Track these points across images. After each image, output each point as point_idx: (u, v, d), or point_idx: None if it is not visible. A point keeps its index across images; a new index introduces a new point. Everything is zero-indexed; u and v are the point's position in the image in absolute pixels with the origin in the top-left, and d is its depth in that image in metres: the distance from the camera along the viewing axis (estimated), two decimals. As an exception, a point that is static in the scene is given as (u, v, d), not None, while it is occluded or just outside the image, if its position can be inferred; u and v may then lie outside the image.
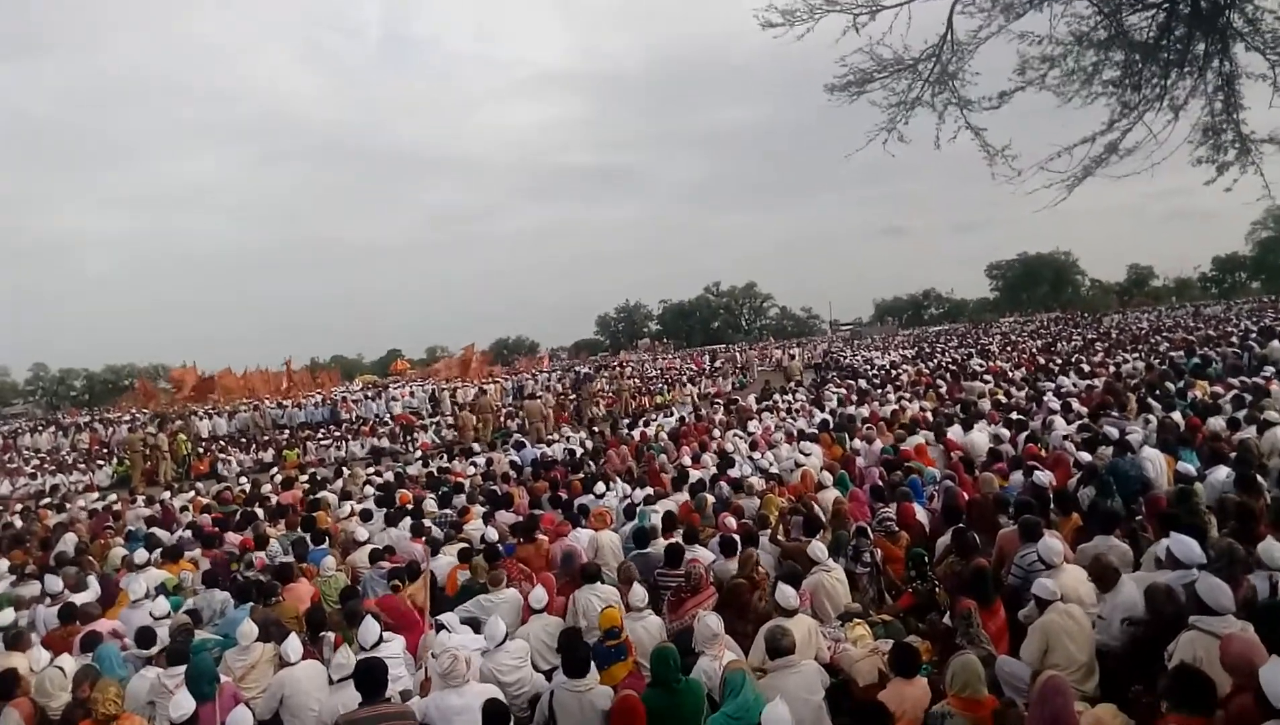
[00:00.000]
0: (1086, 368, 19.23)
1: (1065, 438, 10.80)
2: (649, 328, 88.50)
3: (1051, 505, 7.83)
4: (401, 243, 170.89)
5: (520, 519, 9.83)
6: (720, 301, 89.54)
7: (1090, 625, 5.29)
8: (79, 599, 8.53)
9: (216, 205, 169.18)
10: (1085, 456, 9.30)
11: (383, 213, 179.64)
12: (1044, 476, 8.45)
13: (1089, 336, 34.14)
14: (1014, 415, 12.91)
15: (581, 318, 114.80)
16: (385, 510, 11.23)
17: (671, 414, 20.88)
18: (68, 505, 16.60)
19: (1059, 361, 22.61)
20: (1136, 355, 22.11)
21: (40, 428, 35.32)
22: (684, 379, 31.95)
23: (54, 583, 8.96)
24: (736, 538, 7.67)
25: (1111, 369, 18.84)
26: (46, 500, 18.06)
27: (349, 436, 24.75)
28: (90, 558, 11.09)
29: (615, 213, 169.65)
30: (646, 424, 18.40)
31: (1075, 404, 13.35)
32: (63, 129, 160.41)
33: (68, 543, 12.03)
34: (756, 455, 12.48)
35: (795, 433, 14.11)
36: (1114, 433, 9.95)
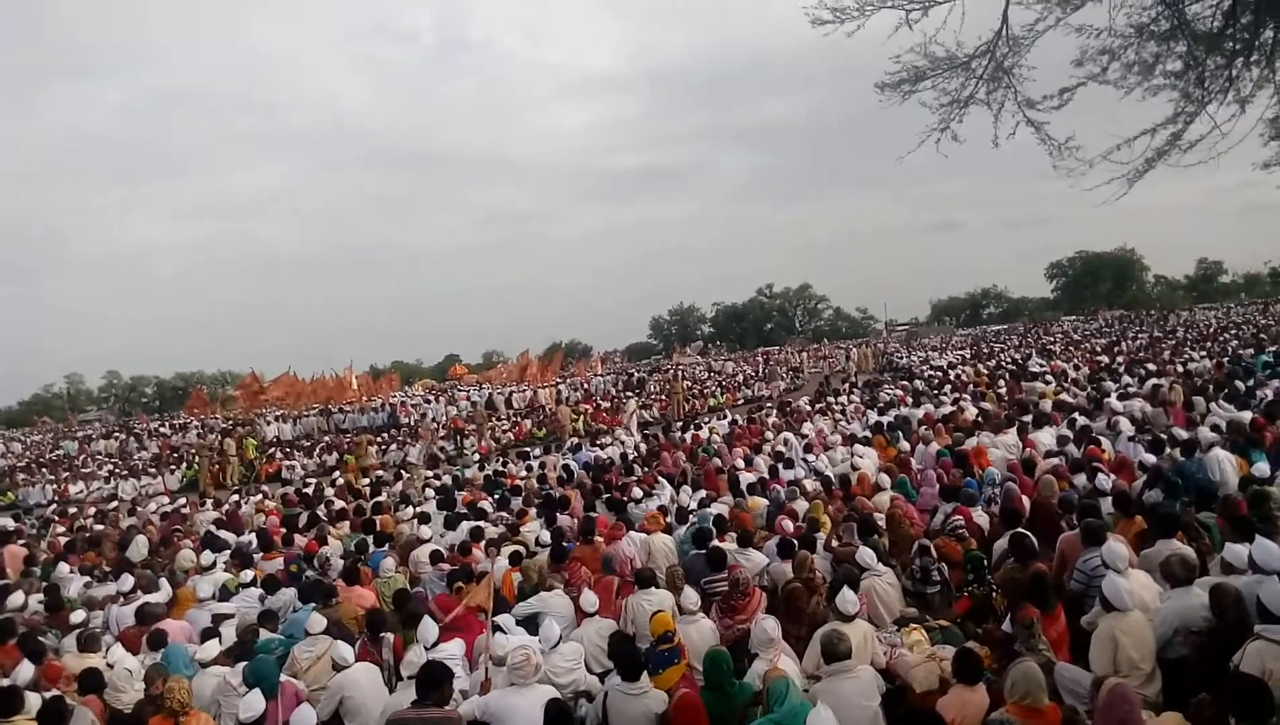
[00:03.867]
0: (1152, 367, 18.73)
1: (1130, 439, 10.53)
2: (702, 330, 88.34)
3: (1113, 508, 7.62)
4: (457, 247, 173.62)
5: (574, 521, 9.91)
6: (773, 303, 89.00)
7: (1151, 630, 5.15)
8: (151, 599, 8.80)
9: (278, 214, 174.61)
10: (1150, 458, 9.05)
11: (438, 217, 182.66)
12: (1106, 479, 8.25)
13: (1154, 335, 33.24)
14: (1076, 416, 12.61)
15: (635, 320, 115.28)
16: (445, 513, 11.41)
17: (725, 417, 20.84)
18: (138, 509, 17.16)
19: (1123, 361, 22.04)
20: (1204, 353, 21.47)
21: (114, 434, 36.56)
22: (626, 394, 31.54)
23: (126, 583, 9.29)
24: (794, 541, 7.62)
25: (1179, 368, 18.31)
26: (115, 504, 18.71)
27: (408, 440, 25.16)
28: (161, 560, 11.47)
29: (667, 213, 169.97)
30: (699, 427, 18.37)
31: (1140, 404, 12.98)
32: (127, 143, 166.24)
33: (139, 545, 12.42)
34: (811, 457, 12.39)
35: (850, 435, 13.98)
36: (1183, 434, 9.67)
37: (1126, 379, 16.83)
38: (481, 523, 10.48)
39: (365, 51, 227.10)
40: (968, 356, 32.80)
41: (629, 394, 31.11)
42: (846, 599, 5.80)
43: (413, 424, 29.21)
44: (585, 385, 36.76)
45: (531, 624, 6.69)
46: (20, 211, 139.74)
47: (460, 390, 39.08)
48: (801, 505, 9.40)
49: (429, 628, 6.29)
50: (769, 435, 15.37)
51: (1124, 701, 4.12)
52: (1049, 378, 19.33)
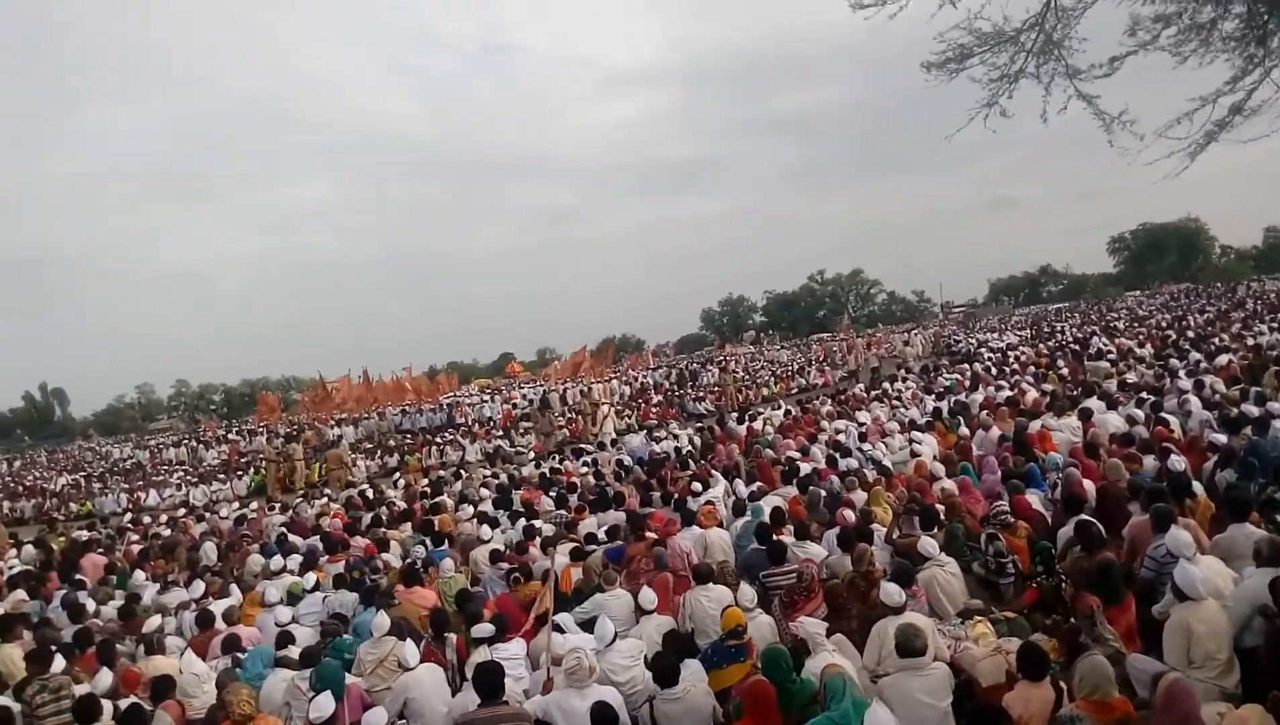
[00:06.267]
0: (1225, 339, 18.10)
1: (1201, 418, 10.17)
2: (753, 319, 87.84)
3: (1185, 491, 7.34)
4: (507, 248, 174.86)
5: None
6: (825, 290, 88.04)
7: (1226, 619, 4.96)
8: (221, 604, 9.01)
9: (333, 226, 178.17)
10: (1222, 438, 8.73)
11: (487, 220, 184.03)
12: (1178, 461, 7.94)
13: (1223, 307, 32.19)
14: (1143, 395, 12.22)
15: (686, 313, 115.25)
16: (502, 512, 11.51)
17: (779, 407, 20.68)
18: (207, 515, 17.62)
19: (1191, 336, 21.36)
20: (1275, 326, 20.70)
21: (184, 442, 37.59)
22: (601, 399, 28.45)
23: (197, 588, 9.54)
24: (853, 533, 7.51)
25: (1248, 342, 17.68)
26: (182, 512, 19.25)
27: (466, 439, 25.40)
28: (230, 565, 11.76)
29: (714, 204, 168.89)
30: (754, 418, 18.25)
31: (1210, 381, 12.54)
32: (186, 163, 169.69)
33: (208, 551, 12.76)
34: (867, 447, 12.22)
35: (908, 422, 13.76)
36: (1255, 411, 9.31)
37: (1195, 355, 16.28)
38: (536, 521, 10.55)
39: (407, 61, 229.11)
40: (1027, 336, 32.13)
41: (602, 400, 28.01)
42: (890, 591, 5.72)
43: (469, 423, 29.48)
44: (641, 379, 36.78)
45: (592, 625, 6.70)
46: (76, 235, 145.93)
47: (516, 388, 39.37)
48: (860, 496, 9.28)
49: (485, 629, 6.37)
50: (824, 424, 15.22)
51: (1185, 697, 3.98)
52: (1112, 356, 18.81)
